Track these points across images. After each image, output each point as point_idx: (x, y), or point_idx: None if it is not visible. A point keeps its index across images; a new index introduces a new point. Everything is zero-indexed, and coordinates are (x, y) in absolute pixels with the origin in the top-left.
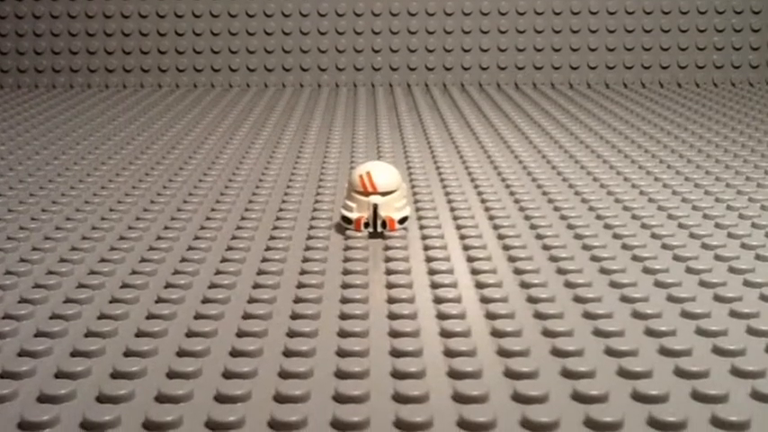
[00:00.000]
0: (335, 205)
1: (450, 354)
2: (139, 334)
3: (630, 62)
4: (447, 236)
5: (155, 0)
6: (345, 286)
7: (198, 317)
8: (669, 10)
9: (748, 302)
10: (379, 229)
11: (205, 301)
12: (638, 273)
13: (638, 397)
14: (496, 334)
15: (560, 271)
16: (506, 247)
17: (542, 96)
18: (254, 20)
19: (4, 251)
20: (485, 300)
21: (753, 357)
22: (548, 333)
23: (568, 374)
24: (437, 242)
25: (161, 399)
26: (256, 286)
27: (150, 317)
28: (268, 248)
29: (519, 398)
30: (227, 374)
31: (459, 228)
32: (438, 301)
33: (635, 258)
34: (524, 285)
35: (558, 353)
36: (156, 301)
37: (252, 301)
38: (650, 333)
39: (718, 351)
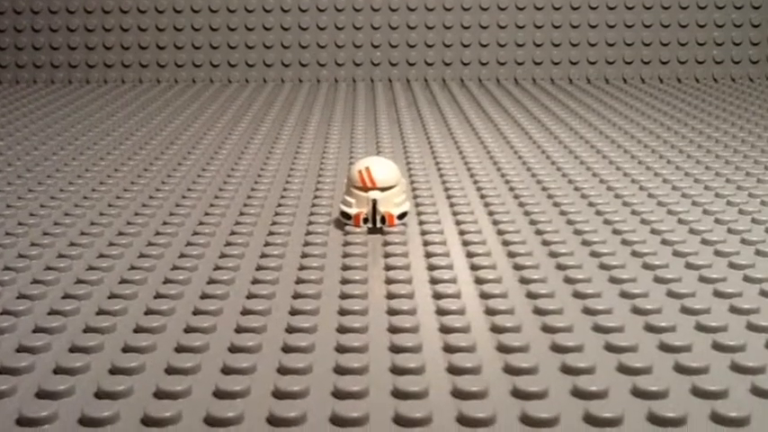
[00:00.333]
0: (334, 201)
1: (449, 349)
2: (138, 330)
3: (630, 57)
4: (446, 231)
5: None
6: (344, 282)
7: (197, 313)
8: (669, 5)
9: (748, 298)
10: (379, 224)
11: (204, 296)
12: (637, 268)
13: (638, 393)
14: (496, 330)
15: (560, 266)
16: (506, 243)
17: (542, 92)
18: (252, 15)
19: (3, 247)
20: (484, 295)
21: (753, 353)
22: (547, 329)
23: (568, 370)
24: (436, 238)
25: (160, 395)
26: (255, 282)
27: (149, 312)
28: (267, 244)
29: (518, 394)
30: (226, 370)
31: (458, 223)
32: (437, 296)
33: (635, 254)
34: (524, 281)
35: (557, 348)
36: (155, 297)
37: (251, 296)
38: (650, 329)
39: (718, 347)
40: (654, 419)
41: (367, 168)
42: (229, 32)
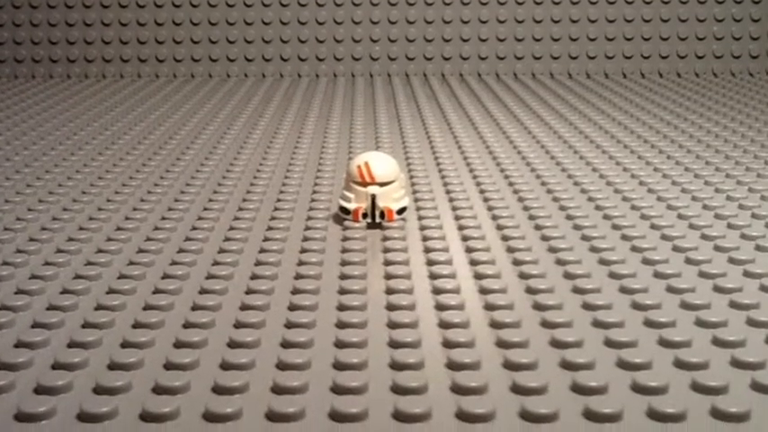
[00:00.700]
0: (333, 196)
1: (448, 345)
2: (137, 325)
3: (630, 52)
4: (445, 226)
5: None
6: (343, 277)
7: (195, 308)
8: (668, 0)
9: (748, 293)
10: (378, 219)
11: (202, 292)
12: (637, 263)
13: (638, 388)
14: (495, 325)
15: (559, 262)
16: (505, 238)
17: (541, 86)
18: (251, 9)
19: (1, 242)
20: (483, 290)
21: (753, 348)
22: (547, 324)
23: (567, 366)
24: (435, 233)
25: (158, 390)
26: (254, 277)
27: (148, 308)
28: (266, 239)
29: (518, 389)
30: (225, 366)
31: (457, 218)
32: (436, 291)
33: (634, 249)
34: (523, 276)
35: (556, 344)
36: (154, 292)
37: (249, 292)
38: (650, 324)
39: (718, 342)
40: (653, 415)
41: (366, 163)
42: (228, 27)
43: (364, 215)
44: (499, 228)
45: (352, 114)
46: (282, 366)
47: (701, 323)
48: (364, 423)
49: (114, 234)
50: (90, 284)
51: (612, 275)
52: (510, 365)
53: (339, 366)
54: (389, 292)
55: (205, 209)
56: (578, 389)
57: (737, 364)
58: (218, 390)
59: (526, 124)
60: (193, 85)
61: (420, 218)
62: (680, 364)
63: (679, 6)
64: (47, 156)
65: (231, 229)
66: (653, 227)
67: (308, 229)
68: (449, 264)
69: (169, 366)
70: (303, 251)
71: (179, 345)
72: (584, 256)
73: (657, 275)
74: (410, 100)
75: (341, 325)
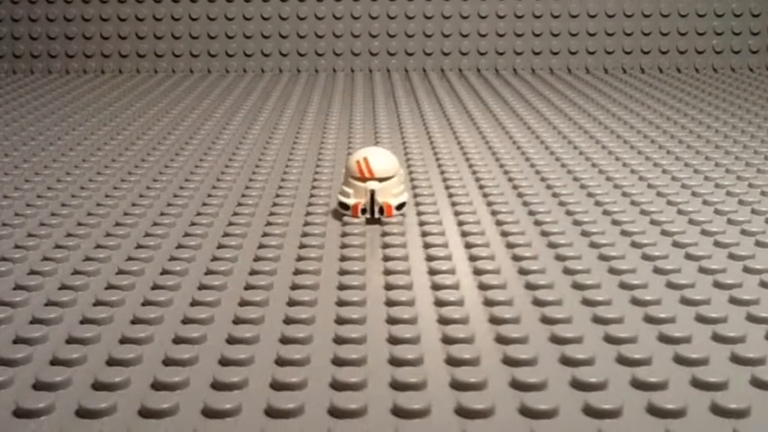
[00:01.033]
0: (332, 191)
1: (447, 341)
2: (135, 321)
3: (629, 47)
4: (445, 222)
5: None
6: (342, 273)
7: (194, 303)
8: None
9: (748, 289)
10: (377, 215)
11: (201, 287)
12: (637, 259)
13: (638, 384)
14: (494, 321)
15: (559, 257)
16: (504, 234)
17: (541, 81)
18: (250, 5)
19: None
20: (483, 286)
21: (753, 344)
22: (546, 320)
23: (567, 361)
24: (435, 228)
25: (157, 386)
26: (253, 273)
27: (146, 303)
28: (265, 234)
29: (517, 385)
30: (224, 362)
31: (457, 213)
32: (436, 287)
33: (634, 245)
34: (522, 272)
35: (556, 340)
36: (152, 288)
37: (248, 287)
38: (649, 320)
39: (718, 338)
40: (653, 411)
41: (365, 159)
42: (227, 22)
43: (363, 211)
44: (498, 223)
45: (352, 110)
46: (281, 362)
47: (700, 319)
48: (363, 419)
49: (113, 230)
50: (89, 280)
51: (612, 271)
52: (509, 361)
53: (338, 362)
54: (389, 287)
55: (204, 204)
56: (578, 385)
57: (737, 359)
58: (218, 386)
59: (525, 119)
60: (192, 81)
61: (419, 213)
62: (680, 360)
63: (679, 1)
64: (45, 151)
65: (230, 224)
66: (653, 222)
67: (306, 224)
68: (448, 259)
69: (168, 362)
70: (302, 247)
71: (178, 341)
72: (583, 252)
73: (657, 271)
74: (409, 95)
75: (340, 321)
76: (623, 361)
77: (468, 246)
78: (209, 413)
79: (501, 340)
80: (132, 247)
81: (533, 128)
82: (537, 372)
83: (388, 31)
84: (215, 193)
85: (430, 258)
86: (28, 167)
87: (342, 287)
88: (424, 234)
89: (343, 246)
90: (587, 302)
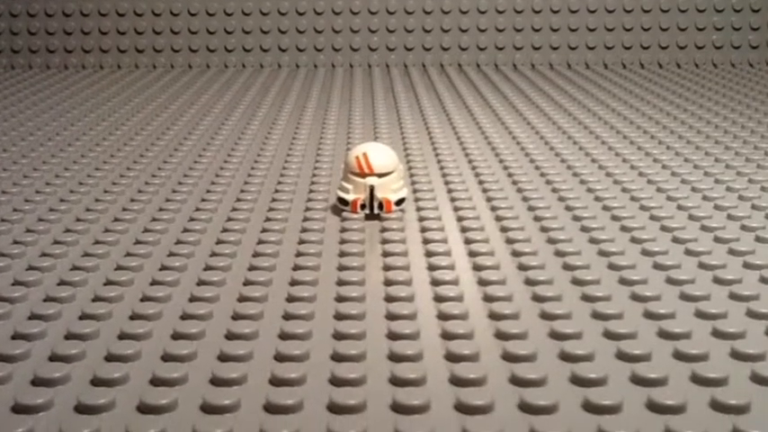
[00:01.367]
0: (332, 187)
1: (447, 336)
2: (134, 317)
3: (629, 42)
4: (444, 217)
5: None
6: (342, 268)
7: (193, 299)
8: None
9: (748, 285)
10: (376, 210)
11: (200, 283)
12: (636, 255)
13: (637, 380)
14: (494, 317)
15: (558, 253)
16: (504, 229)
17: (540, 77)
18: (249, 0)
19: None
20: (482, 282)
21: (752, 340)
22: (546, 316)
23: (567, 357)
24: (434, 224)
25: (156, 382)
26: (252, 268)
27: (145, 299)
28: (264, 230)
29: (517, 381)
30: (223, 357)
31: (456, 209)
32: (435, 283)
33: (634, 240)
34: (522, 268)
35: (556, 335)
36: (151, 284)
37: (247, 283)
38: (649, 316)
39: (718, 334)
40: (653, 407)
41: (364, 154)
42: (226, 17)
43: (362, 206)
44: (498, 219)
45: (351, 105)
46: (280, 358)
47: (700, 315)
48: (363, 415)
49: (111, 225)
50: (87, 276)
51: (612, 267)
52: (509, 357)
53: (337, 358)
54: (388, 283)
55: (203, 200)
56: (577, 380)
57: (737, 355)
58: (216, 381)
59: (525, 115)
60: (191, 76)
61: (419, 209)
62: (679, 356)
63: None
64: (44, 147)
65: (229, 220)
66: (652, 218)
67: (306, 220)
68: (447, 255)
69: (167, 358)
70: (301, 242)
71: (177, 336)
72: (583, 248)
73: (657, 267)
74: (409, 91)
75: (339, 316)
76: (623, 357)
77: (468, 241)
78: (208, 409)
79: (500, 336)
80: (131, 243)
81: (533, 123)
82: (536, 367)
83: (387, 27)
84: (214, 188)
85: (429, 254)
86: (26, 163)
87: (341, 283)
88: (424, 230)
89: (343, 241)
90: (587, 298)
